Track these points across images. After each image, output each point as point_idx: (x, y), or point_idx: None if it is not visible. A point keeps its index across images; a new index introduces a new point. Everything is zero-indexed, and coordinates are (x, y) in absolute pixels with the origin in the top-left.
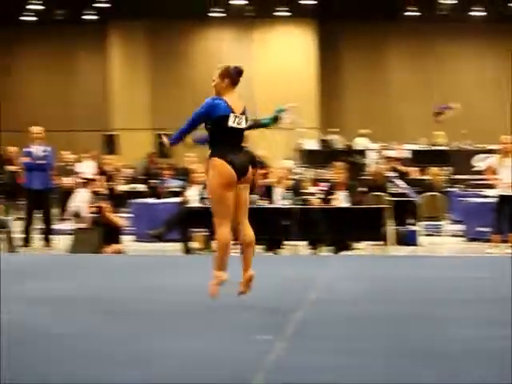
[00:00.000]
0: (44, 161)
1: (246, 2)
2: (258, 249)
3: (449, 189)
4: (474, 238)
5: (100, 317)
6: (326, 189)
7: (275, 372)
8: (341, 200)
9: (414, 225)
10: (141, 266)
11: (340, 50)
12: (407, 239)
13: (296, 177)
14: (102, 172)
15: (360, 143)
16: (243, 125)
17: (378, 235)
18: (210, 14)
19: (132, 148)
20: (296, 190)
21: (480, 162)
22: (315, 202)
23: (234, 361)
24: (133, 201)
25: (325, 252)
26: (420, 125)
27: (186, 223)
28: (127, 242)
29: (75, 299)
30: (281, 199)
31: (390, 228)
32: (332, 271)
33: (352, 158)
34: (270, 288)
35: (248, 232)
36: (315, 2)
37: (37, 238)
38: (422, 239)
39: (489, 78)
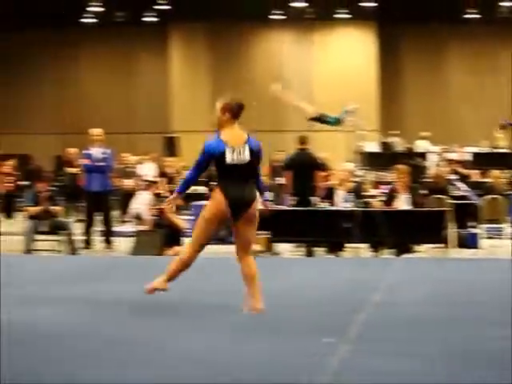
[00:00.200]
0: (103, 163)
1: (307, 5)
2: (320, 251)
3: (510, 191)
4: None
5: (161, 319)
6: (387, 191)
7: (339, 375)
8: (402, 203)
9: (474, 227)
10: (202, 268)
11: (400, 52)
12: (468, 242)
13: (357, 179)
14: (162, 174)
15: (421, 146)
16: (246, 157)
17: (439, 238)
18: (271, 17)
19: (192, 150)
20: (357, 192)
21: None
22: (377, 204)
23: (298, 363)
24: (193, 203)
25: (386, 255)
26: (481, 127)
27: None
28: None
29: (135, 301)
30: (342, 202)
31: (451, 231)
32: (393, 274)
33: (413, 160)
34: (332, 290)
35: (250, 266)
36: (375, 5)
37: (98, 240)
38: (482, 242)
39: None
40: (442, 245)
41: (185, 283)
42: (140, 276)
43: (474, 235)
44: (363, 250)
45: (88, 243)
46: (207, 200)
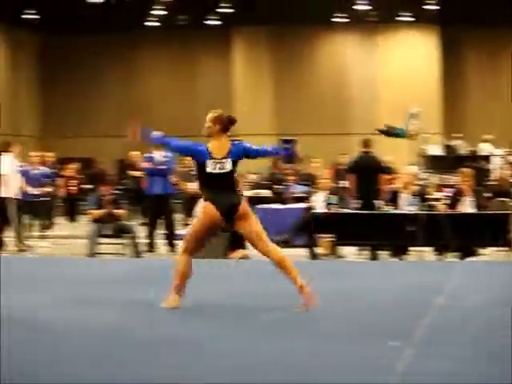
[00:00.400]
0: (165, 166)
1: (370, 8)
2: (384, 254)
3: None
4: None
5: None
6: (450, 194)
7: (405, 377)
8: (467, 206)
9: None
10: (266, 271)
11: (463, 54)
12: None
13: (421, 182)
14: None
15: (484, 149)
16: (227, 168)
17: (503, 241)
18: (334, 19)
19: None
20: (421, 195)
21: None
22: (441, 207)
23: (365, 367)
24: (258, 206)
25: (450, 258)
26: None
27: (312, 229)
28: (251, 247)
29: (199, 304)
30: (406, 205)
31: None
32: (458, 277)
33: (477, 163)
34: (397, 294)
35: (272, 252)
36: (438, 8)
37: (161, 244)
38: None
39: None
40: (507, 248)
41: (244, 286)
42: (203, 279)
43: None
44: (427, 253)
45: (151, 246)
46: (271, 203)
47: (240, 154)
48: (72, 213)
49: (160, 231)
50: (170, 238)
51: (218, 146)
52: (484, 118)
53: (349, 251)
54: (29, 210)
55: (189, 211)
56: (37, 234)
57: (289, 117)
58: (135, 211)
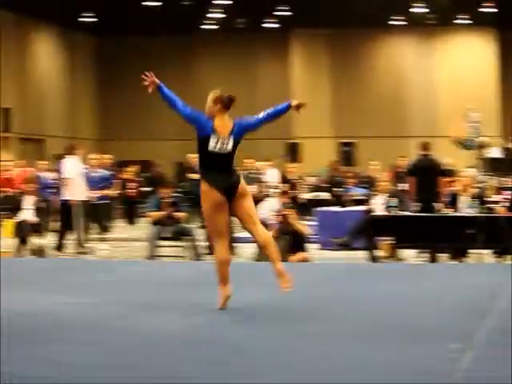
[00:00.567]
0: None
1: (427, 10)
2: (444, 257)
3: None
4: None
5: (284, 325)
6: (509, 197)
7: (465, 381)
8: None
9: None
10: (325, 274)
11: None
12: None
13: (480, 185)
14: (285, 180)
15: None
16: (229, 147)
17: None
18: (391, 22)
19: (314, 156)
20: (481, 198)
21: None
22: (500, 210)
23: (424, 369)
24: (317, 209)
25: (510, 260)
26: None
27: (372, 231)
28: (312, 250)
29: (259, 307)
30: (466, 207)
31: None
32: None
33: None
34: (456, 296)
35: (260, 234)
36: (495, 11)
37: None
38: None
39: None
40: None
41: (308, 289)
42: (264, 282)
43: None
44: (487, 256)
45: (210, 249)
46: (330, 206)
47: (242, 132)
48: (131, 215)
49: None
50: (229, 240)
51: (221, 125)
52: None
53: (408, 254)
54: (88, 212)
55: None
56: (96, 236)
57: (347, 120)
58: (195, 214)
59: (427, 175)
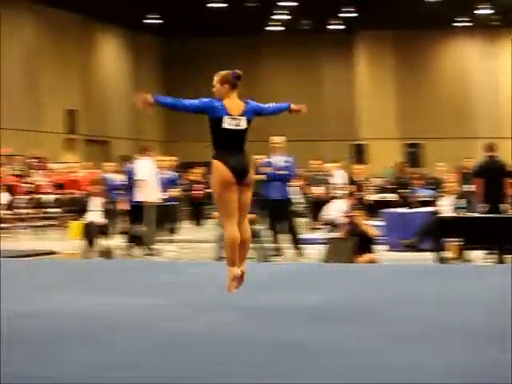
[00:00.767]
0: (285, 171)
1: (492, 12)
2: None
3: None
4: None
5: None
6: None
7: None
8: None
9: None
10: (393, 275)
11: None
12: None
13: None
14: (351, 182)
15: None
16: (243, 126)
17: None
18: (456, 24)
19: (380, 157)
20: None
21: None
22: None
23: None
24: (384, 210)
25: None
26: None
27: (439, 233)
28: (380, 251)
29: (325, 308)
30: None
31: None
32: None
33: None
34: None
35: (244, 230)
36: None
37: (288, 248)
38: None
39: None
40: None
41: (375, 290)
42: (330, 283)
43: None
44: None
45: (278, 251)
46: (396, 207)
47: (252, 113)
48: (197, 217)
49: (285, 236)
50: (294, 242)
51: (232, 104)
52: None
53: (476, 255)
54: (157, 214)
55: (315, 215)
56: (164, 238)
57: (413, 121)
58: (263, 216)
59: (493, 177)
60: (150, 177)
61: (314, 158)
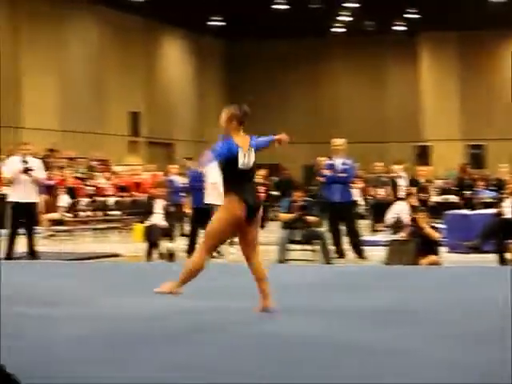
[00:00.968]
0: (345, 173)
1: None
2: None
3: None
4: None
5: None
6: None
7: None
8: None
9: None
10: (456, 277)
11: None
12: None
13: None
14: (415, 183)
15: None
16: (252, 160)
17: None
18: None
19: (444, 158)
20: None
21: None
22: None
23: None
24: (446, 212)
25: None
26: None
27: (502, 234)
28: (442, 253)
29: (389, 310)
30: None
31: None
32: None
33: None
34: None
35: (259, 269)
36: None
37: (350, 250)
38: None
39: None
40: None
41: (438, 292)
42: (393, 285)
43: None
44: None
45: (340, 253)
46: (459, 209)
47: (255, 146)
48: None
49: (347, 238)
50: (355, 244)
51: (241, 140)
52: None
53: None
54: None
55: (377, 217)
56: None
57: (476, 122)
58: (325, 218)
59: None
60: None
61: (376, 160)
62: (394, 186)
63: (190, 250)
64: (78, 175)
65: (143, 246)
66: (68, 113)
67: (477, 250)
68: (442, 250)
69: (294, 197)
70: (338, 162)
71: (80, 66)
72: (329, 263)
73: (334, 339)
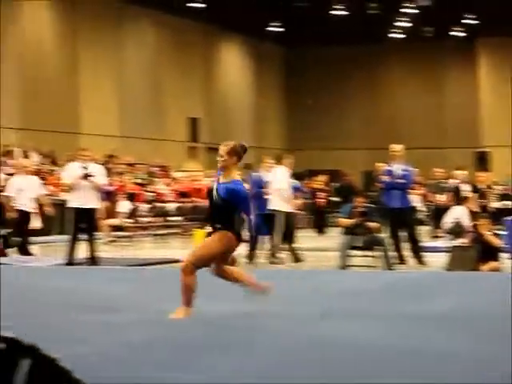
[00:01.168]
0: (403, 180)
1: None
2: None
3: None
4: None
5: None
6: None
7: None
8: None
9: None
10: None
11: None
12: None
13: None
14: (474, 189)
15: None
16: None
17: None
18: None
19: (503, 164)
20: None
21: None
22: None
23: None
24: (506, 218)
25: None
26: None
27: None
28: (503, 259)
29: (448, 315)
30: None
31: None
32: None
33: None
34: None
35: (228, 273)
36: None
37: (410, 256)
38: None
39: None
40: None
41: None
42: (451, 291)
43: None
44: None
45: (400, 259)
46: None
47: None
48: (320, 225)
49: (407, 244)
50: (415, 250)
51: (227, 175)
52: None
53: None
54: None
55: (438, 223)
56: (286, 246)
57: None
58: (385, 224)
59: None
60: (284, 185)
61: (436, 166)
62: (457, 191)
63: (251, 255)
64: (138, 181)
65: None
66: (127, 118)
67: None
68: (503, 256)
69: (355, 203)
70: (397, 167)
71: (137, 70)
72: (390, 269)
73: (395, 344)
